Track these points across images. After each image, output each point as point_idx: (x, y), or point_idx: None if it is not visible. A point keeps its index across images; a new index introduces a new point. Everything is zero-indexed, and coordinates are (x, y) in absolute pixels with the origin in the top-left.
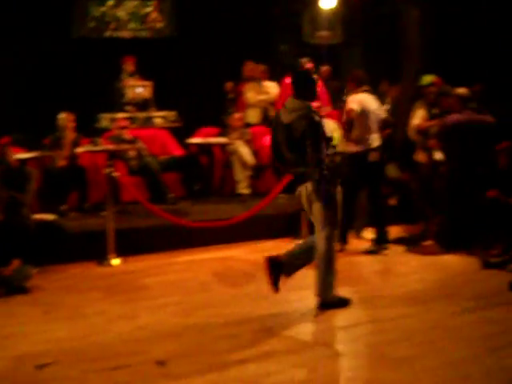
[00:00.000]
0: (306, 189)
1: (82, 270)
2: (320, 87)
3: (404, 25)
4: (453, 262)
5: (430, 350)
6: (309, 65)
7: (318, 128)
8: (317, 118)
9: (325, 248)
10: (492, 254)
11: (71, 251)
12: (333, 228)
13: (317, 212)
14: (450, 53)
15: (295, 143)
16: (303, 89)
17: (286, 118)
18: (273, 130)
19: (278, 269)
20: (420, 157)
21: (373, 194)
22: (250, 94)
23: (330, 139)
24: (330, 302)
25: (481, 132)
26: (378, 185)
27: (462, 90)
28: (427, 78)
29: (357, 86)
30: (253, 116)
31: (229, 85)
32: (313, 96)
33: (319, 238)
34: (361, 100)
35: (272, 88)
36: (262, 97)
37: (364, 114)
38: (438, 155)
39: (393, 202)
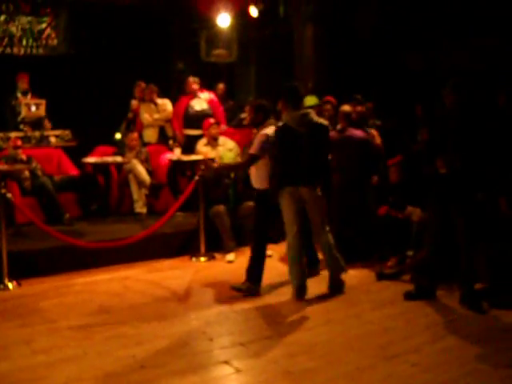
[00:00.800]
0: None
1: None
2: (217, 105)
3: (297, 43)
4: (349, 275)
5: (330, 361)
6: (195, 85)
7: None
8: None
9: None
10: (387, 266)
11: None
12: None
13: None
14: (343, 70)
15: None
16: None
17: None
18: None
19: None
20: None
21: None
22: (145, 114)
23: None
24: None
25: (358, 147)
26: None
27: (346, 108)
28: (310, 100)
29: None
30: (150, 135)
31: (134, 103)
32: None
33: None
34: None
35: (167, 105)
36: (157, 116)
37: None
38: None
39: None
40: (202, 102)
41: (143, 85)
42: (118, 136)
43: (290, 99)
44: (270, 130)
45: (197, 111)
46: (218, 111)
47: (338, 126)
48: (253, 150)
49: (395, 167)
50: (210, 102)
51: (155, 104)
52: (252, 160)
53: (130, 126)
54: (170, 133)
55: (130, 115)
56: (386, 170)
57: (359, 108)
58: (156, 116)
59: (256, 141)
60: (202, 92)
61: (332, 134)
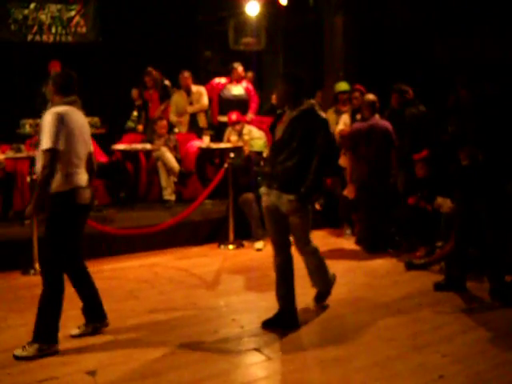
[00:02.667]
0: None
1: (6, 280)
2: (253, 94)
3: (327, 32)
4: (378, 264)
5: (359, 350)
6: (241, 68)
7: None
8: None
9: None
10: (416, 257)
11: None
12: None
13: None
14: (373, 60)
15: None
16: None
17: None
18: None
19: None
20: (343, 161)
21: None
22: (173, 109)
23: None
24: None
25: (384, 136)
26: None
27: (371, 96)
28: (342, 85)
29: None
30: (179, 127)
31: (134, 92)
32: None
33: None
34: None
35: (202, 96)
36: (190, 109)
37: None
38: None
39: (317, 206)
40: (240, 87)
41: (186, 74)
42: (130, 124)
43: None
44: None
45: (234, 95)
46: (253, 99)
47: (358, 116)
48: None
49: (421, 162)
50: (246, 89)
51: (189, 93)
52: None
53: (142, 114)
54: (201, 123)
55: (138, 102)
56: (412, 164)
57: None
58: (190, 109)
59: None
60: (242, 81)
61: (357, 125)
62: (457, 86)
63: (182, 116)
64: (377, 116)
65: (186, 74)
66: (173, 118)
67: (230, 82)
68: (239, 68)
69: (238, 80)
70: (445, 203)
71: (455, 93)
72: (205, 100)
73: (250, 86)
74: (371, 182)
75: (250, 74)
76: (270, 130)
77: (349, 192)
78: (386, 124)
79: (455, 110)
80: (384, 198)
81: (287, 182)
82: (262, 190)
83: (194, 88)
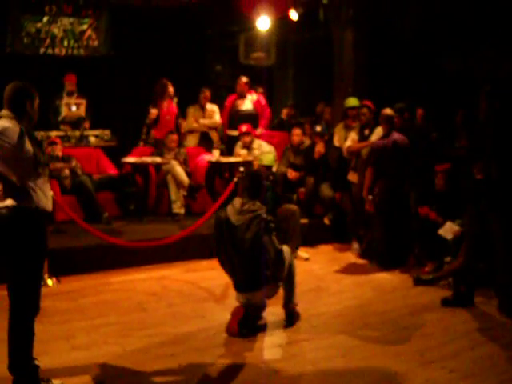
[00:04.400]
0: None
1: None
2: (264, 107)
3: (337, 47)
4: (386, 279)
5: (367, 365)
6: (244, 80)
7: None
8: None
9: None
10: (424, 272)
11: (3, 271)
12: None
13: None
14: (382, 76)
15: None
16: (257, 189)
17: (235, 220)
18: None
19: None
20: (352, 177)
21: None
22: (191, 119)
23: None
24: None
25: (405, 151)
26: None
27: (388, 111)
28: (352, 101)
29: None
30: (190, 140)
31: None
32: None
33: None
34: None
35: (215, 113)
36: (203, 121)
37: None
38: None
39: (326, 221)
40: (248, 102)
41: (208, 93)
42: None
43: None
44: None
45: (242, 111)
46: (264, 115)
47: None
48: None
49: (442, 174)
50: (255, 103)
51: (203, 109)
52: None
53: (150, 131)
54: (214, 138)
55: (149, 121)
56: (432, 175)
57: (406, 115)
58: (203, 121)
59: None
60: (250, 93)
61: (381, 141)
62: (480, 98)
63: (194, 131)
64: (394, 131)
65: (207, 93)
66: (191, 124)
67: (237, 95)
68: (243, 79)
69: (243, 93)
70: (450, 229)
71: (465, 107)
72: (217, 117)
73: (262, 100)
74: (391, 198)
75: (259, 89)
76: None
77: (370, 206)
78: (406, 139)
79: (466, 125)
80: (401, 213)
81: None
82: None
83: (208, 105)
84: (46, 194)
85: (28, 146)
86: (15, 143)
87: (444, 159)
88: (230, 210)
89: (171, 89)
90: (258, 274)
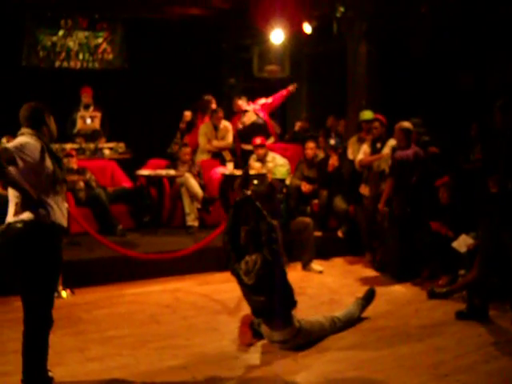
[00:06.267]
0: None
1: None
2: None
3: (351, 61)
4: (399, 292)
5: (380, 379)
6: (242, 104)
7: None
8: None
9: None
10: (438, 285)
11: (17, 283)
12: None
13: None
14: (396, 89)
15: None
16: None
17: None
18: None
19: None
20: (363, 190)
21: None
22: (203, 137)
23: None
24: None
25: (424, 164)
26: None
27: (406, 124)
28: (366, 114)
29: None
30: (202, 159)
31: (188, 114)
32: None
33: None
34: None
35: (228, 133)
36: (216, 143)
37: None
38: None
39: (340, 233)
40: (250, 114)
41: (220, 113)
42: (174, 147)
43: None
44: None
45: (247, 125)
46: (268, 123)
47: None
48: None
49: (444, 188)
50: (258, 112)
51: (216, 128)
52: None
53: (184, 137)
54: (227, 157)
55: (183, 125)
56: (437, 190)
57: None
58: (216, 143)
59: None
60: (249, 105)
61: (403, 153)
62: (494, 111)
63: (204, 152)
64: (412, 144)
65: (220, 113)
66: (204, 145)
67: (239, 114)
68: (238, 101)
69: (239, 113)
70: (464, 242)
71: (479, 121)
72: (230, 137)
73: (265, 102)
74: (409, 211)
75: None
76: None
77: (383, 219)
78: (424, 152)
79: (480, 138)
80: (415, 226)
81: None
82: None
83: (222, 124)
84: (62, 211)
85: (48, 162)
86: (36, 158)
87: (456, 173)
88: (240, 269)
89: (214, 105)
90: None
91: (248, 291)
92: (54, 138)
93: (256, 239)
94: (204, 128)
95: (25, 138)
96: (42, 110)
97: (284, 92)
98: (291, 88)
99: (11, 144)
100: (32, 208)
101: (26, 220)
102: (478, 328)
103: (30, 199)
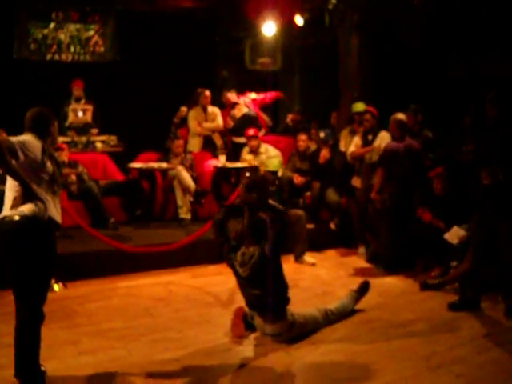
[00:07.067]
0: None
1: None
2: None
3: (343, 53)
4: (392, 284)
5: (373, 370)
6: (232, 97)
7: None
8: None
9: None
10: (431, 277)
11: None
12: None
13: None
14: (388, 81)
15: None
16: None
17: (241, 271)
18: None
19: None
20: (356, 182)
21: None
22: (193, 122)
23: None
24: None
25: (417, 156)
26: None
27: (400, 116)
28: (359, 106)
29: None
30: (194, 145)
31: (184, 110)
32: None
33: None
34: None
35: (217, 116)
36: (207, 125)
37: None
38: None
39: (332, 226)
40: (241, 107)
41: (207, 93)
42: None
43: None
44: None
45: (239, 118)
46: (259, 116)
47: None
48: None
49: (438, 179)
50: (249, 105)
51: (205, 111)
52: None
53: (177, 131)
54: (217, 142)
55: (177, 120)
56: (430, 181)
57: (420, 117)
58: (206, 125)
59: None
60: (239, 98)
61: (393, 144)
62: (486, 103)
63: (195, 137)
64: (407, 136)
65: (207, 93)
66: (195, 128)
67: (229, 107)
68: (228, 94)
69: (232, 104)
70: (456, 234)
71: (472, 113)
72: (219, 120)
73: (255, 97)
74: (400, 203)
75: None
76: None
77: (378, 204)
78: (418, 145)
79: (473, 130)
80: (408, 218)
81: None
82: None
83: (210, 108)
84: (58, 210)
85: (48, 163)
86: (37, 156)
87: (449, 164)
88: (236, 259)
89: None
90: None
91: (243, 283)
92: (55, 145)
93: (259, 232)
94: (193, 113)
95: (26, 136)
96: (47, 116)
97: (275, 94)
98: (282, 96)
99: (12, 138)
100: (30, 202)
101: (23, 214)
102: (471, 319)
103: (29, 192)
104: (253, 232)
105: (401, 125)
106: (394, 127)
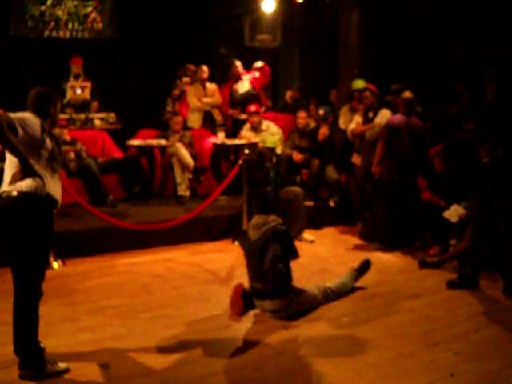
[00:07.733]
0: None
1: None
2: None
3: (342, 29)
4: (391, 262)
5: (371, 347)
6: (240, 68)
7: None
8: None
9: None
10: (429, 255)
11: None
12: None
13: None
14: (388, 57)
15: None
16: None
17: (252, 235)
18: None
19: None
20: (355, 159)
21: None
22: (193, 98)
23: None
24: None
25: (419, 135)
26: None
27: (408, 94)
28: (359, 83)
29: None
30: (194, 120)
31: (186, 79)
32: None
33: None
34: None
35: (216, 91)
36: (207, 100)
37: None
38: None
39: (331, 203)
40: (244, 83)
41: (193, 67)
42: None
43: None
44: None
45: (241, 94)
46: (260, 90)
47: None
48: None
49: (438, 156)
50: (252, 82)
51: (204, 87)
52: None
53: (175, 105)
54: (217, 117)
55: (177, 92)
56: (430, 159)
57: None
58: (205, 100)
59: None
60: (244, 74)
61: (396, 119)
62: (486, 82)
63: (194, 113)
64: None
65: (205, 68)
66: (195, 103)
67: (233, 80)
68: (237, 63)
69: (238, 77)
70: (456, 212)
71: (471, 90)
72: (218, 96)
73: (258, 75)
74: (400, 179)
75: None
76: None
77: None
78: (422, 125)
79: (473, 108)
80: (407, 196)
81: None
82: None
83: (208, 84)
84: (57, 188)
85: (48, 140)
86: (36, 132)
87: (449, 142)
88: (249, 225)
89: (205, 74)
90: (267, 283)
91: (251, 250)
92: (56, 125)
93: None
94: (192, 89)
95: (26, 113)
96: (50, 96)
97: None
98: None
99: (12, 114)
100: (29, 178)
101: (22, 190)
102: (469, 297)
103: (28, 168)
104: (260, 205)
105: (407, 103)
106: (399, 104)
